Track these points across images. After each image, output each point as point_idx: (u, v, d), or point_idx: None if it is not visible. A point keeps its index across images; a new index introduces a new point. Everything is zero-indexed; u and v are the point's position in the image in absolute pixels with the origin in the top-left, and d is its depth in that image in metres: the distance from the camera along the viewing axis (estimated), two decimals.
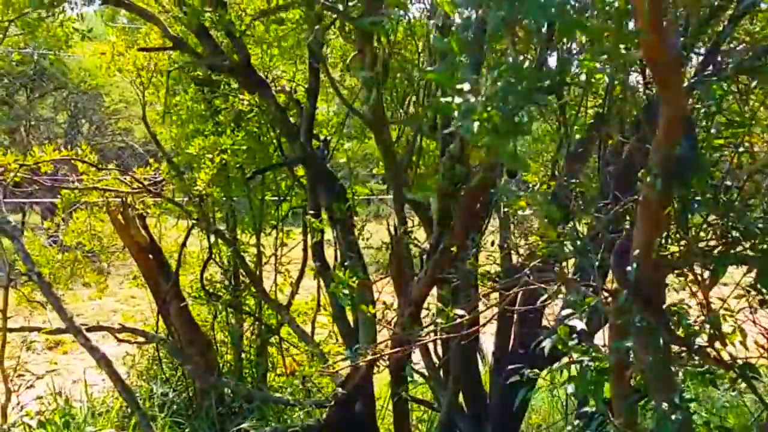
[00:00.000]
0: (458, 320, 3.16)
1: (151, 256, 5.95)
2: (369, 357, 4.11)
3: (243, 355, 6.49)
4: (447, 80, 1.53)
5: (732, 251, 2.91)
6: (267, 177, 6.03)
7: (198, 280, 6.29)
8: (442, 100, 1.49)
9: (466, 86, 1.48)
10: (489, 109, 1.48)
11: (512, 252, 4.04)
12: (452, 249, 3.72)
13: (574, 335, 2.74)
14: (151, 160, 6.00)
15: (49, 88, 19.51)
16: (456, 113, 1.48)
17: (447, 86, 1.54)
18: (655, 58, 2.66)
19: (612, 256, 3.03)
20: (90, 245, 6.39)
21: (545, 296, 3.02)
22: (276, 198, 6.26)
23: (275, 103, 4.53)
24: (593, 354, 2.69)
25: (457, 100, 1.48)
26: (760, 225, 2.88)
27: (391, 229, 3.97)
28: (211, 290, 6.27)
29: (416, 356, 4.87)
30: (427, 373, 4.80)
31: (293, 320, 5.42)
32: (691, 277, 3.06)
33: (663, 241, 3.00)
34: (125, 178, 5.59)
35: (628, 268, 2.86)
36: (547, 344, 2.73)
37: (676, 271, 3.06)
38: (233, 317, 6.49)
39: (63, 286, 6.11)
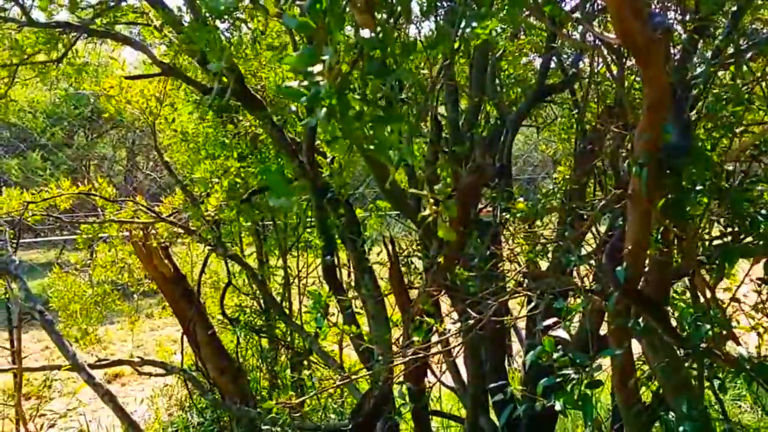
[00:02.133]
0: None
1: (176, 285, 5.93)
2: (382, 375, 3.96)
3: (278, 380, 6.41)
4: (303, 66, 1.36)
5: (736, 243, 2.65)
6: None
7: (228, 306, 6.25)
8: (285, 84, 1.31)
9: (318, 67, 1.30)
10: (342, 91, 1.29)
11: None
12: (450, 260, 3.53)
13: (559, 346, 2.52)
14: (178, 189, 6.02)
15: (106, 127, 20.11)
16: (303, 100, 1.31)
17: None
18: (628, 37, 2.44)
19: (604, 255, 2.80)
20: (121, 278, 6.45)
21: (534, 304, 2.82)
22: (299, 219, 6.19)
23: (271, 122, 4.42)
24: (580, 365, 2.45)
25: (302, 83, 1.29)
26: (764, 211, 2.61)
27: (389, 244, 3.80)
28: (241, 316, 6.22)
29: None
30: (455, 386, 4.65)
31: (316, 343, 5.29)
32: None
33: (660, 236, 2.75)
34: (139, 209, 5.58)
35: (618, 268, 2.63)
36: (529, 358, 2.52)
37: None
38: (265, 342, 6.42)
39: (94, 321, 6.15)
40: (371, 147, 1.32)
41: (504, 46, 5.00)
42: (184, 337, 5.65)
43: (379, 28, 1.32)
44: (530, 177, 13.34)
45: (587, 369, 2.39)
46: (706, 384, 2.68)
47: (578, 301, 2.89)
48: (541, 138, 5.99)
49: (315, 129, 4.72)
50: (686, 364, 2.77)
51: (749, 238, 2.64)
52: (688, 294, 2.98)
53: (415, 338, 2.92)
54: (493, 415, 4.62)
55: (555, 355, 2.48)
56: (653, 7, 2.99)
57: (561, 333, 2.46)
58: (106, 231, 5.67)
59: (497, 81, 4.82)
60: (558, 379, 2.40)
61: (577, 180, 3.90)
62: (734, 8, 3.20)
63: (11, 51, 5.07)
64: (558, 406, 2.40)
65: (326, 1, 1.22)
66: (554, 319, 2.61)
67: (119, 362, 5.13)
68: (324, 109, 1.26)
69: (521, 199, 3.99)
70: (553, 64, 4.65)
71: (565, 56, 4.43)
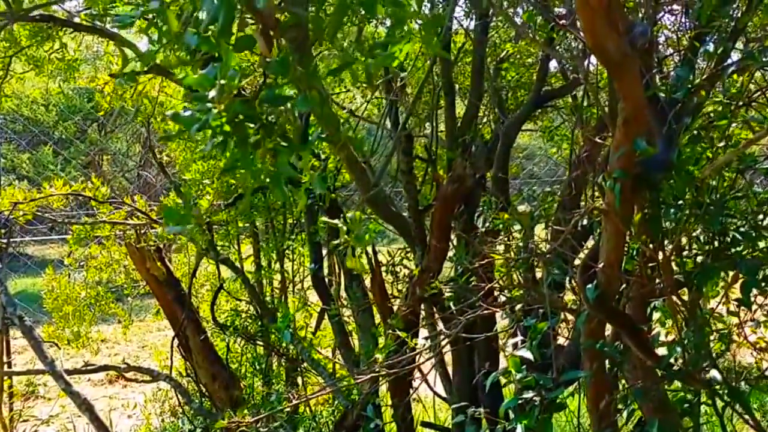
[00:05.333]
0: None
1: (168, 289, 5.97)
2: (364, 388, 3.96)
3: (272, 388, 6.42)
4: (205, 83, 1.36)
5: (716, 262, 2.61)
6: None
7: (222, 311, 6.29)
8: (171, 112, 1.31)
9: (211, 93, 1.30)
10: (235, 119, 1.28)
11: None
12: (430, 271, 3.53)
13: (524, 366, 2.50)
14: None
15: (120, 122, 20.32)
16: (194, 128, 1.30)
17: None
18: (600, 49, 2.42)
19: (578, 272, 2.78)
20: (117, 279, 6.52)
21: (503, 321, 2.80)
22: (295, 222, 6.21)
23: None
24: (542, 386, 2.43)
25: (186, 113, 1.28)
26: (743, 229, 2.57)
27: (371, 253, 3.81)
28: (236, 321, 6.24)
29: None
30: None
31: (308, 352, 5.30)
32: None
33: (637, 253, 2.71)
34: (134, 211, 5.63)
35: (588, 285, 2.61)
36: (490, 380, 2.50)
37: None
38: (261, 348, 6.44)
39: (87, 323, 6.22)
40: (267, 179, 1.32)
41: (506, 49, 4.98)
42: (175, 342, 5.68)
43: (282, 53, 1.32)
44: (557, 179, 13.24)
45: (549, 390, 2.37)
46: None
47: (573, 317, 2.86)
48: (549, 143, 5.95)
49: (305, 129, 4.74)
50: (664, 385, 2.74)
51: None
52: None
53: (378, 356, 2.91)
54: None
55: (518, 376, 2.47)
56: (647, 14, 2.95)
57: (525, 353, 2.44)
58: (98, 232, 5.74)
59: (496, 84, 4.80)
60: (519, 401, 2.38)
61: (570, 189, 3.87)
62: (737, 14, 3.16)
63: (6, 43, 5.15)
64: (519, 429, 2.38)
65: (219, 23, 1.22)
66: (521, 338, 2.60)
67: (104, 368, 5.18)
68: (216, 137, 1.25)
69: (524, 207, 3.98)
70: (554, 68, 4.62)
71: (564, 61, 4.39)
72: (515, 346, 2.49)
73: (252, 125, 1.31)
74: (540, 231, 3.63)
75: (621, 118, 2.49)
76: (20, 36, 5.08)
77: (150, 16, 4.53)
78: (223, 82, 1.24)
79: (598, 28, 2.29)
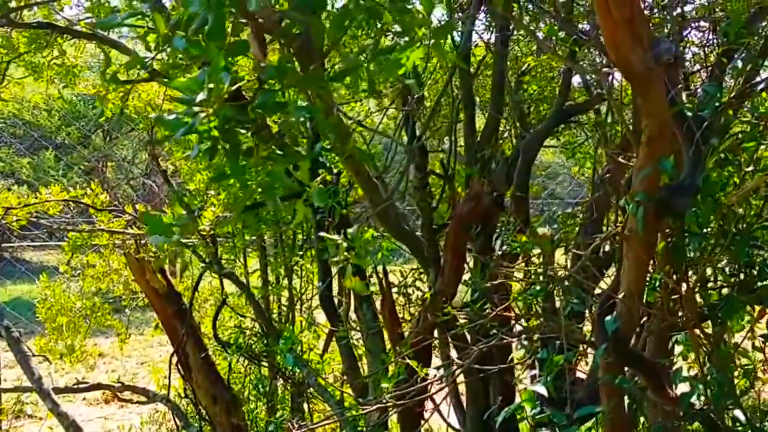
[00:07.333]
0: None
1: (168, 303, 6.02)
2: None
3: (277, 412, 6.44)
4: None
5: (741, 296, 2.62)
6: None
7: (226, 327, 6.33)
8: (155, 114, 1.34)
9: (200, 96, 1.32)
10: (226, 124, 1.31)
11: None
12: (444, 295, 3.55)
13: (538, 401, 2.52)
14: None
15: (126, 129, 20.49)
16: (179, 133, 1.32)
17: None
18: (624, 65, 2.45)
19: (597, 306, 2.79)
20: (116, 290, 6.59)
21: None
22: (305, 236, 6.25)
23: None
24: (555, 423, 2.45)
25: (171, 116, 1.31)
26: None
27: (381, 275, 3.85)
28: (240, 339, 6.27)
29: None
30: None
31: (312, 376, 5.33)
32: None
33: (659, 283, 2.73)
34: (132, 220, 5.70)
35: (607, 317, 2.62)
36: (502, 416, 2.52)
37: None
38: (266, 369, 6.47)
39: (82, 336, 6.28)
40: (258, 189, 1.35)
41: (527, 62, 5.01)
42: (174, 360, 5.72)
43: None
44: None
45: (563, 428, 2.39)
46: None
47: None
48: (570, 159, 5.97)
49: (316, 142, 4.79)
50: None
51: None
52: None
53: (384, 385, 2.94)
54: None
55: (532, 412, 2.48)
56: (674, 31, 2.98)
57: (540, 388, 2.46)
58: (96, 240, 5.80)
59: (516, 97, 4.83)
60: None
61: (591, 213, 3.88)
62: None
63: (3, 49, 5.25)
64: None
65: (209, 25, 1.25)
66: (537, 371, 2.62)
67: (97, 386, 5.23)
68: (205, 143, 1.28)
69: (545, 229, 4.00)
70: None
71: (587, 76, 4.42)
72: (532, 378, 2.52)
73: (244, 132, 1.34)
74: (560, 256, 3.65)
75: (645, 136, 2.51)
76: (18, 42, 5.19)
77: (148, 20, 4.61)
78: (212, 85, 1.27)
79: (621, 41, 2.32)
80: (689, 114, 2.62)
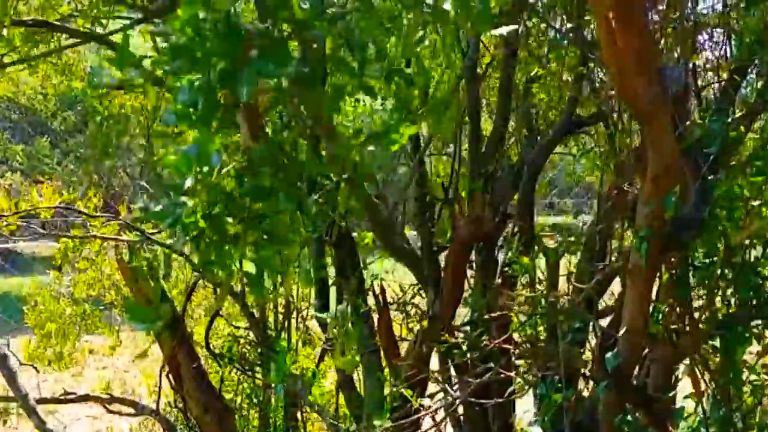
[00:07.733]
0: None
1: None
2: None
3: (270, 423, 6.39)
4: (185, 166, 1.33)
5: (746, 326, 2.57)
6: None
7: (220, 335, 6.28)
8: (140, 205, 1.29)
9: (189, 182, 1.26)
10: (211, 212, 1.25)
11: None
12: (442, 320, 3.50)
13: None
14: None
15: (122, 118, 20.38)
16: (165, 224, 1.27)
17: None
18: (629, 95, 2.39)
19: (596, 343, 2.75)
20: (109, 296, 6.52)
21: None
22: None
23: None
24: None
25: (157, 207, 1.25)
26: None
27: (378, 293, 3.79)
28: (234, 347, 6.22)
29: None
30: None
31: (306, 390, 5.28)
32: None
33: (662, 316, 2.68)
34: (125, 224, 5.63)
35: (608, 354, 2.58)
36: None
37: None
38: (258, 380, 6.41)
39: (71, 342, 6.23)
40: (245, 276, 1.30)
41: (536, 69, 4.94)
42: (164, 370, 5.66)
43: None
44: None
45: None
46: None
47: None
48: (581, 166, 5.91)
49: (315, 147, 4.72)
50: None
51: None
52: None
53: (376, 422, 2.88)
54: None
55: None
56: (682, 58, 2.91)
57: (536, 430, 2.41)
58: (89, 247, 5.74)
59: (522, 104, 4.78)
60: None
61: (598, 229, 3.83)
62: None
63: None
64: None
65: (200, 110, 1.20)
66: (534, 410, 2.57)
67: (85, 398, 5.17)
68: (189, 235, 1.22)
69: (552, 243, 3.95)
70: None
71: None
72: (530, 424, 2.48)
73: (231, 220, 1.28)
74: (563, 280, 3.59)
75: (651, 172, 2.44)
76: (12, 35, 5.12)
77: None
78: (200, 170, 1.21)
79: (626, 72, 2.24)
80: (696, 147, 2.57)
